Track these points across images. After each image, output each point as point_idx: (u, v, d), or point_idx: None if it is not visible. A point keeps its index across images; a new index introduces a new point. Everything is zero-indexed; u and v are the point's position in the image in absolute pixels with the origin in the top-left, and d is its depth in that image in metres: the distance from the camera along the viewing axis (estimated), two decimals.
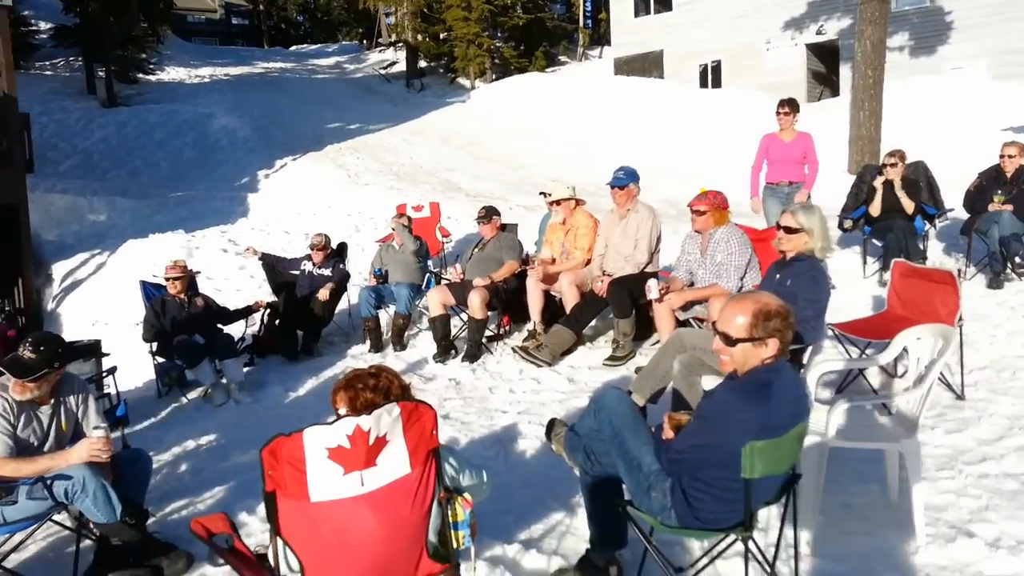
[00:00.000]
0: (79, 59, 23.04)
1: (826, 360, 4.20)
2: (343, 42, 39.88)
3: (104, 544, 3.22)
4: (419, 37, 27.51)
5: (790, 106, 7.12)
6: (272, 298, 7.32)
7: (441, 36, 27.17)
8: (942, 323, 3.75)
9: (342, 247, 7.75)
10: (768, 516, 3.05)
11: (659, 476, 2.57)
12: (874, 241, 6.86)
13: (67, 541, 3.41)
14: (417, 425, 2.29)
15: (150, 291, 6.32)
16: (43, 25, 26.03)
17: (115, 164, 16.49)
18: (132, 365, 6.26)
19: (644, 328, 5.83)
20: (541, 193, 7.72)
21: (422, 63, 27.74)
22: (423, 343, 6.76)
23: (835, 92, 20.74)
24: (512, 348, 6.07)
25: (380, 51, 32.59)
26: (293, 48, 38.14)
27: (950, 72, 19.30)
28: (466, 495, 2.47)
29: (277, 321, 6.95)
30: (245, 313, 6.60)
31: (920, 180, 6.84)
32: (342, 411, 2.40)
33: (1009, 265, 6.39)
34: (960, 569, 2.83)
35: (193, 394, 5.95)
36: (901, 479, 3.22)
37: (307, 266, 7.20)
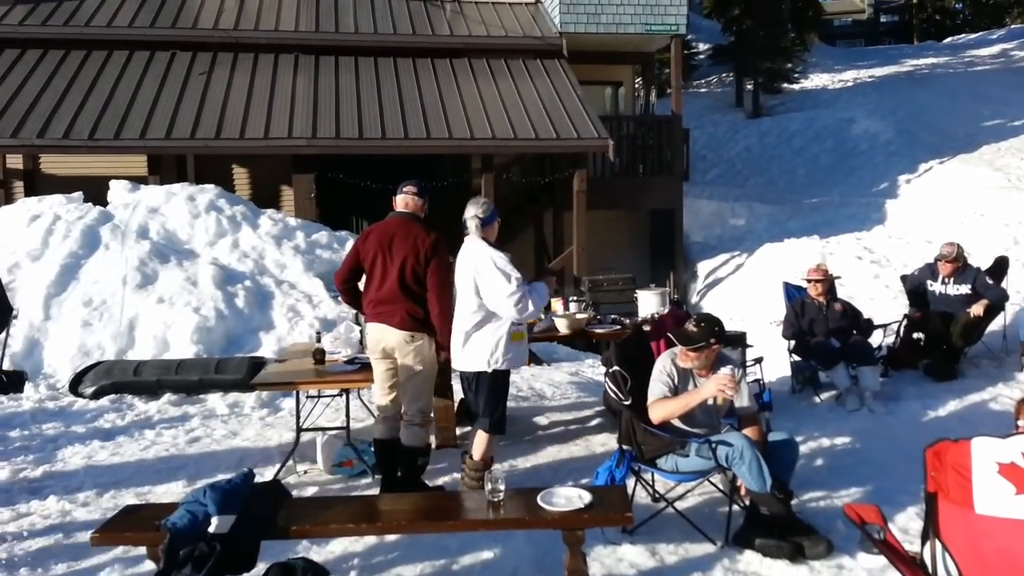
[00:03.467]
0: (730, 75, 25.49)
1: None
2: (1011, 26, 34.74)
3: (754, 511, 3.62)
4: None
5: None
6: (909, 310, 6.97)
7: None
8: None
9: (1001, 262, 6.89)
10: None
11: None
12: None
13: (721, 502, 3.94)
14: None
15: (791, 292, 6.69)
16: (702, 46, 29.56)
17: (755, 172, 17.77)
18: (769, 360, 6.76)
19: None
20: None
21: None
22: None
23: None
24: None
25: None
26: (947, 40, 34.92)
27: None
28: None
29: (915, 335, 6.60)
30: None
31: None
32: (1021, 423, 2.21)
33: None
34: None
35: (826, 395, 6.10)
36: None
37: (934, 286, 6.63)
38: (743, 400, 3.89)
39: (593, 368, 7.45)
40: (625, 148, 12.10)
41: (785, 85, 24.74)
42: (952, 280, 6.58)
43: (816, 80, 26.64)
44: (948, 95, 20.58)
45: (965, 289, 6.48)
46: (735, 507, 3.76)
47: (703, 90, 26.66)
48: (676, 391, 3.82)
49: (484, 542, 3.62)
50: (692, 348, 3.79)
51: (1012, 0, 36.16)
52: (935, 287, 6.68)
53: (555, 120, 10.22)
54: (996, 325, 6.68)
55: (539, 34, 11.59)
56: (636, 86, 14.94)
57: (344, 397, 4.94)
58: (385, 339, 4.21)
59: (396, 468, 4.28)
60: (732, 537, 3.62)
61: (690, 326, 3.86)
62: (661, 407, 3.79)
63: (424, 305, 4.14)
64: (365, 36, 11.23)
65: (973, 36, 34.58)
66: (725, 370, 3.67)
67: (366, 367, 4.57)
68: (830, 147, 17.75)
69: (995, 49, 28.39)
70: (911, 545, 2.76)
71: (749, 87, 23.06)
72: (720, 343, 3.88)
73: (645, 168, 12.56)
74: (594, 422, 5.67)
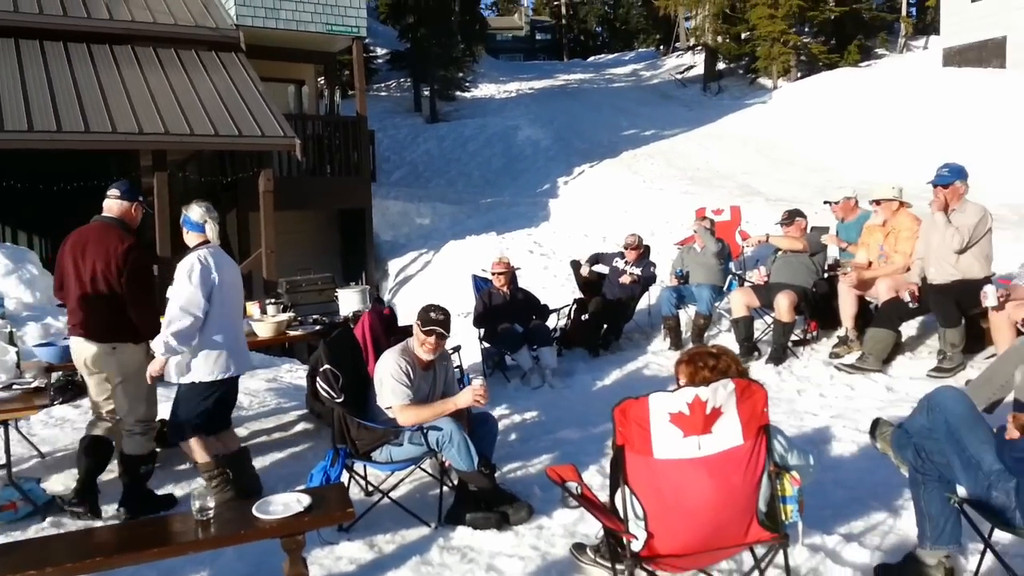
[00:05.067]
0: (408, 80, 26.38)
1: None
2: (639, 49, 40.63)
3: (462, 489, 3.86)
4: (719, 39, 27.14)
5: None
6: (578, 295, 7.90)
7: (742, 36, 26.53)
8: None
9: (648, 249, 8.11)
10: None
11: (1002, 475, 2.50)
12: None
13: (432, 485, 4.12)
14: (750, 401, 2.49)
15: (480, 284, 7.20)
16: (380, 51, 30.15)
17: (436, 173, 18.61)
18: (464, 348, 7.19)
19: (974, 341, 5.37)
20: (825, 202, 7.48)
21: (720, 65, 27.34)
22: (724, 344, 6.84)
23: None
24: (835, 366, 5.83)
25: (677, 56, 32.71)
26: (591, 59, 39.75)
27: None
28: (794, 473, 2.62)
29: (584, 316, 7.49)
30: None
31: None
32: (682, 382, 2.68)
33: None
34: None
35: (514, 378, 6.66)
36: None
37: (619, 263, 7.64)
38: (452, 387, 4.13)
39: (292, 372, 7.26)
40: (312, 148, 11.89)
41: (458, 93, 26.28)
42: (633, 264, 7.58)
43: (485, 90, 28.64)
44: (594, 108, 23.48)
45: (638, 271, 7.53)
46: (445, 488, 3.97)
47: (383, 94, 27.17)
48: (414, 387, 3.92)
49: (189, 567, 3.39)
50: (437, 336, 3.88)
51: (639, 28, 42.25)
52: (619, 263, 7.64)
53: (236, 116, 9.69)
54: (644, 304, 7.84)
55: (213, 24, 10.87)
56: (319, 86, 14.74)
57: (2, 429, 4.24)
58: (83, 353, 3.97)
59: (99, 466, 4.08)
60: (444, 517, 3.82)
61: (433, 313, 3.95)
62: (413, 413, 3.84)
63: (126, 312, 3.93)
64: (4, 15, 9.54)
65: (611, 56, 39.86)
66: (477, 381, 3.87)
67: (29, 394, 4.04)
68: (500, 152, 19.22)
69: (628, 69, 33.05)
70: (602, 495, 3.18)
71: (426, 93, 24.06)
72: (448, 335, 4.06)
73: (333, 168, 12.47)
74: (299, 427, 5.55)
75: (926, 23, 25.91)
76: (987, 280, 5.06)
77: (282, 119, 10.04)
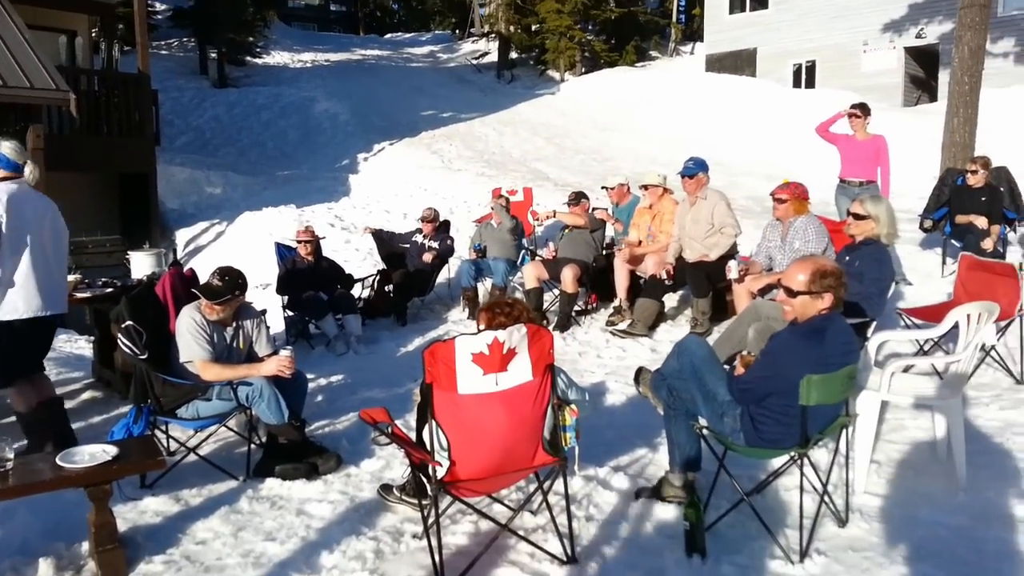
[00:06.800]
0: (192, 40, 24.70)
1: (886, 331, 4.64)
2: (436, 31, 40.94)
3: (272, 442, 3.99)
4: (511, 28, 28.17)
5: (862, 110, 7.26)
6: (382, 266, 8.12)
7: (533, 28, 27.75)
8: (1002, 312, 4.19)
9: (446, 223, 8.49)
10: (830, 460, 3.53)
11: (731, 405, 3.14)
12: (953, 242, 7.12)
13: (239, 443, 4.21)
14: (539, 343, 2.92)
15: (283, 252, 7.18)
16: (160, 6, 27.92)
17: (226, 142, 17.76)
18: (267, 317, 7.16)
19: (720, 310, 6.33)
20: (603, 187, 8.34)
21: (513, 54, 28.41)
22: None
23: (933, 97, 20.40)
24: (611, 332, 6.53)
25: (472, 41, 33.44)
26: (388, 36, 39.44)
27: None
28: (573, 406, 3.11)
29: (387, 287, 7.73)
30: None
31: (1002, 185, 7.08)
32: (482, 327, 3.05)
33: None
34: (996, 514, 3.27)
35: (318, 345, 6.76)
36: (952, 438, 3.67)
37: (418, 238, 7.95)
38: (263, 348, 4.23)
39: (71, 343, 6.81)
40: (87, 105, 10.93)
41: (249, 59, 25.05)
42: (430, 237, 7.88)
43: (278, 57, 27.53)
44: (393, 86, 23.50)
45: (436, 244, 7.85)
46: (253, 445, 4.08)
47: (164, 52, 25.21)
48: (213, 343, 3.97)
49: None
50: (218, 301, 3.95)
51: (435, 9, 42.54)
52: (418, 239, 7.92)
53: None
54: (443, 277, 8.23)
55: None
56: (94, 38, 13.49)
57: None
58: None
59: None
60: (253, 470, 3.94)
61: (215, 280, 4.00)
62: (215, 371, 3.92)
63: None
64: None
65: (408, 36, 39.80)
66: (285, 351, 3.99)
67: None
68: (296, 123, 18.72)
69: (426, 50, 33.29)
70: (411, 432, 3.50)
71: (213, 55, 22.72)
72: (243, 295, 4.12)
73: (111, 128, 11.53)
74: (86, 395, 5.32)
75: (693, 30, 28.67)
76: (731, 256, 6.00)
77: (54, 71, 9.18)
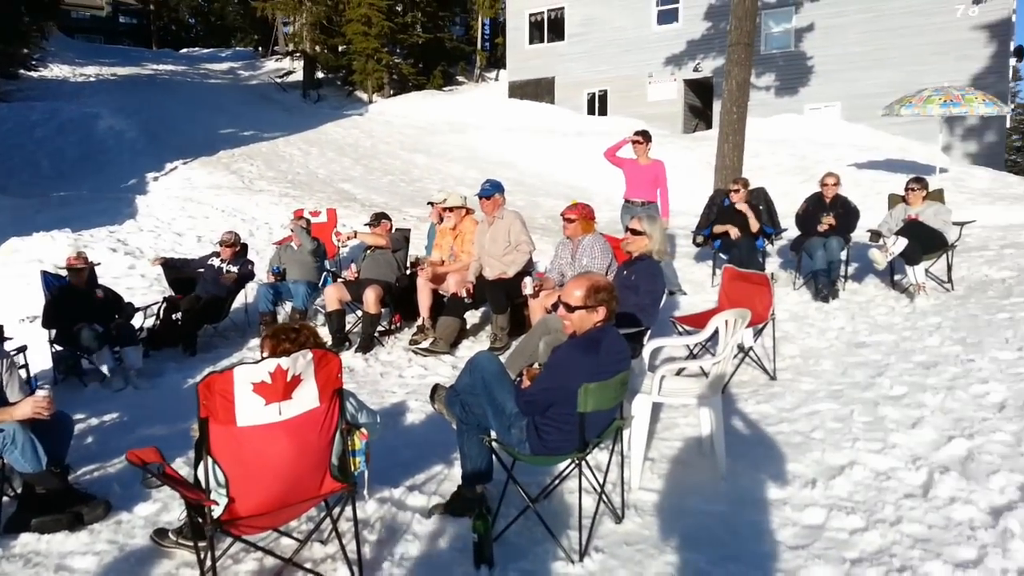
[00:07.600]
0: None
1: (661, 338, 5.03)
2: (237, 48, 39.27)
3: (28, 493, 3.58)
4: (317, 48, 27.67)
5: (644, 137, 7.88)
6: (169, 293, 7.58)
7: (340, 48, 27.42)
8: (757, 317, 4.69)
9: (244, 247, 8.11)
10: (607, 460, 3.76)
11: (518, 416, 3.24)
12: (721, 255, 7.85)
13: None
14: (326, 368, 2.86)
15: (50, 280, 6.50)
16: None
17: None
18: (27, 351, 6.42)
19: (519, 326, 6.54)
20: (428, 203, 8.41)
21: (319, 74, 27.88)
22: None
23: (708, 125, 22.51)
24: (413, 351, 6.51)
25: (276, 59, 32.42)
26: (184, 51, 37.28)
27: (809, 111, 21.41)
28: (363, 429, 3.07)
29: (174, 316, 7.22)
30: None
31: (760, 204, 7.92)
32: (266, 354, 2.94)
33: (835, 284, 7.38)
34: (751, 498, 3.64)
35: (92, 382, 6.17)
36: (715, 432, 4.03)
37: (215, 261, 7.51)
38: (15, 391, 3.79)
39: None
40: None
41: (22, 71, 22.67)
42: (229, 262, 7.50)
43: (57, 71, 25.18)
44: (188, 103, 22.19)
45: (235, 269, 7.47)
46: (6, 497, 3.64)
47: None
48: None
49: None
50: None
51: (236, 26, 40.84)
52: (215, 262, 7.49)
53: None
54: (239, 303, 7.83)
55: None
56: None
57: None
58: None
59: None
60: (4, 526, 3.51)
61: None
62: None
63: None
64: None
65: (206, 51, 37.84)
66: (42, 392, 3.58)
67: None
68: (76, 141, 17.16)
69: (225, 66, 31.83)
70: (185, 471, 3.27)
71: None
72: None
73: None
74: None
75: (498, 57, 29.72)
76: (527, 273, 6.23)
77: None
